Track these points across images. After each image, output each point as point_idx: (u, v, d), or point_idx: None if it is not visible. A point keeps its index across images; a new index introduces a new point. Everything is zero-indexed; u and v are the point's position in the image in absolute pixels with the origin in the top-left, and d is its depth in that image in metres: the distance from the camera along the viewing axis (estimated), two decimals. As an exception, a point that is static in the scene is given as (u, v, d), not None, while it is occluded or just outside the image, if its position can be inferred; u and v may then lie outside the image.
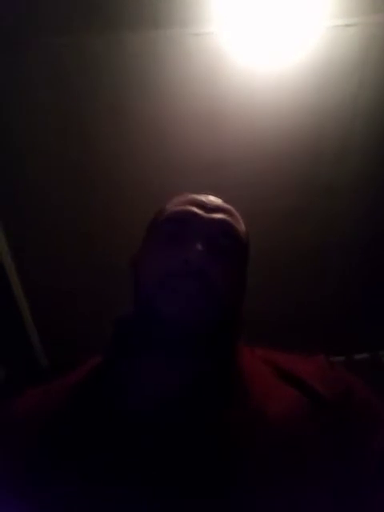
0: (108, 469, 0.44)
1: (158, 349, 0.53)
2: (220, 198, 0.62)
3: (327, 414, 0.48)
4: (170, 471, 0.43)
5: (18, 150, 1.35)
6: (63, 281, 1.59)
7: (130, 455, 0.44)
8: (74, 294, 1.61)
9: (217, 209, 0.59)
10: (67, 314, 1.65)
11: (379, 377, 1.64)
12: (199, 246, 0.52)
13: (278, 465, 0.43)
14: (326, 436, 0.47)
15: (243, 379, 0.52)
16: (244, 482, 0.43)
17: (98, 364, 0.58)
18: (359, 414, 0.50)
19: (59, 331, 1.66)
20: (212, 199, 0.61)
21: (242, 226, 0.62)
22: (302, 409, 0.48)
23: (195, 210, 0.57)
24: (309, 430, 0.46)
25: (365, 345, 1.76)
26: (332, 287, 1.69)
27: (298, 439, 0.45)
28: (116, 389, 0.52)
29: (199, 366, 0.52)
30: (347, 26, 1.24)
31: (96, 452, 0.45)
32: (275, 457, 0.44)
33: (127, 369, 0.53)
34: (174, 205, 0.61)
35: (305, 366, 0.56)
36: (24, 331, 1.58)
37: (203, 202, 0.59)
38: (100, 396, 0.51)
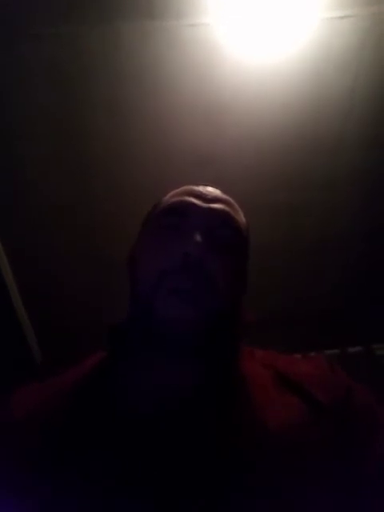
0: (108, 469, 0.44)
1: (157, 349, 0.52)
2: (219, 190, 0.61)
3: (327, 419, 0.48)
4: (170, 471, 0.43)
5: (15, 142, 1.34)
6: (57, 273, 1.57)
7: (130, 455, 0.45)
8: (69, 287, 1.60)
9: (215, 199, 0.57)
10: (63, 309, 1.64)
11: (372, 370, 1.65)
12: (198, 237, 0.50)
13: (277, 466, 0.43)
14: (326, 440, 0.46)
15: (244, 382, 0.52)
16: (244, 483, 0.42)
17: (97, 364, 0.57)
18: (359, 418, 0.50)
19: (54, 326, 1.65)
20: (210, 190, 0.59)
21: (241, 218, 0.61)
22: (301, 416, 0.48)
23: (193, 200, 0.56)
24: (309, 436, 0.46)
25: (359, 338, 1.76)
26: (330, 280, 1.69)
27: (298, 444, 0.45)
28: (116, 390, 0.51)
29: (199, 366, 0.51)
30: (343, 17, 1.23)
31: (96, 452, 0.45)
32: (275, 458, 0.44)
33: (127, 370, 0.53)
34: (171, 196, 0.60)
35: (305, 369, 0.55)
36: (18, 325, 1.56)
37: (201, 192, 0.58)
38: (101, 397, 0.51)
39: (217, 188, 0.61)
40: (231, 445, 0.45)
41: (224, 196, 0.60)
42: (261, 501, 0.41)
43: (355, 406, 0.51)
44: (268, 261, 1.56)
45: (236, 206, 0.61)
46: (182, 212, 0.55)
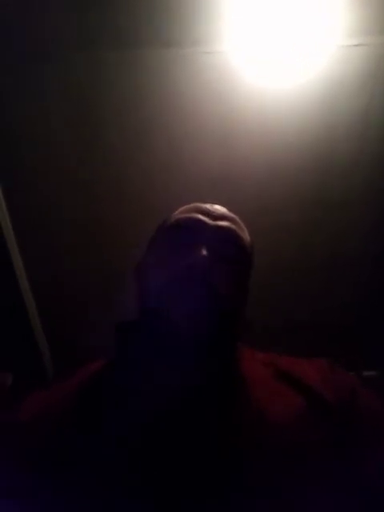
0: (109, 469, 0.44)
1: (160, 350, 0.53)
2: (232, 211, 0.63)
3: (329, 418, 0.49)
4: (170, 471, 0.44)
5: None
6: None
7: (131, 455, 0.45)
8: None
9: (222, 217, 0.60)
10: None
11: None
12: (204, 252, 0.53)
13: (278, 466, 0.44)
14: (326, 440, 0.47)
15: (244, 382, 0.52)
16: (244, 483, 0.43)
17: (101, 367, 0.58)
18: (363, 417, 0.50)
19: (68, 339, 1.68)
20: (217, 208, 0.62)
21: (246, 235, 0.63)
22: (302, 416, 0.49)
23: (201, 217, 0.58)
24: (309, 436, 0.47)
25: (373, 361, 1.73)
26: (341, 299, 1.68)
27: (298, 444, 0.46)
28: (118, 390, 0.52)
29: (201, 366, 0.52)
30: (357, 45, 1.27)
31: (97, 452, 0.46)
32: (275, 458, 0.45)
33: (129, 371, 0.54)
34: (180, 212, 0.62)
35: (306, 368, 0.56)
36: (32, 338, 1.60)
37: (209, 210, 0.60)
38: (103, 397, 0.52)
39: (230, 208, 0.63)
40: (231, 445, 0.45)
41: (230, 214, 0.62)
42: (261, 501, 0.42)
43: (360, 408, 0.51)
44: (278, 278, 1.57)
45: (241, 224, 0.63)
46: (190, 228, 0.58)
